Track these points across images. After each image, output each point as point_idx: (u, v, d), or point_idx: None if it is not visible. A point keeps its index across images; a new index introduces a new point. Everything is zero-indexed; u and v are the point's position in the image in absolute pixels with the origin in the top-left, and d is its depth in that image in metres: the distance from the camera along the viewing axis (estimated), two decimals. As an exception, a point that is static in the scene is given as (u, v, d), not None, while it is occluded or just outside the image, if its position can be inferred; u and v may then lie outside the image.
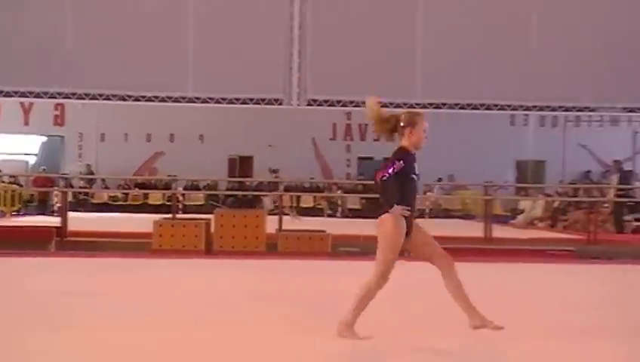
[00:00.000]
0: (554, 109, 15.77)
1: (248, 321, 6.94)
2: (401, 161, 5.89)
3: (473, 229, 16.01)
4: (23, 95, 15.17)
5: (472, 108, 14.94)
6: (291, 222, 16.46)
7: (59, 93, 15.13)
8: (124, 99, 15.10)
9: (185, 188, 23.74)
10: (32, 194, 23.52)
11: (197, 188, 24.93)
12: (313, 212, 23.48)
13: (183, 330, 6.43)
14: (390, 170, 5.86)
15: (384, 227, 5.92)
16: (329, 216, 23.47)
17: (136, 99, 15.07)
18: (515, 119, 28.87)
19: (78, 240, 13.99)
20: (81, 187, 25.12)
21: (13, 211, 20.26)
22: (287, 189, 21.74)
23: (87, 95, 15.10)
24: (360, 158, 29.02)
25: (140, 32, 14.70)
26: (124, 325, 6.66)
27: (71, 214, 15.30)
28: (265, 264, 12.07)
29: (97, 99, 15.17)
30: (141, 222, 15.19)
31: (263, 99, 14.75)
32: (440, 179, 24.64)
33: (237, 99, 14.82)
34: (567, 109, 16.03)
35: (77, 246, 13.69)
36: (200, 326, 6.65)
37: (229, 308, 7.72)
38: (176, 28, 14.70)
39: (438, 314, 7.08)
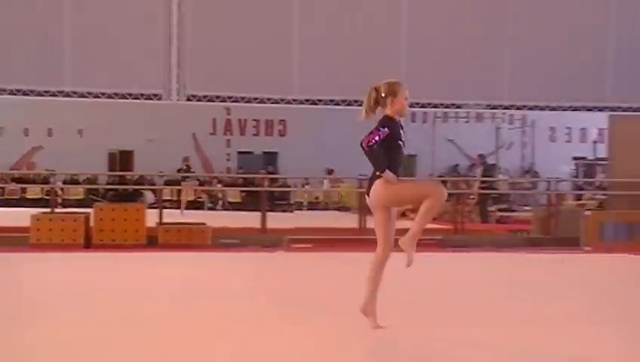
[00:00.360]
0: (423, 106, 16.22)
1: (124, 315, 6.84)
2: (386, 128, 5.91)
3: (349, 221, 16.27)
4: None
5: (347, 105, 15.15)
6: (173, 216, 16.27)
7: None
8: (-1, 94, 14.58)
9: (64, 183, 23.13)
10: None
11: (77, 183, 24.29)
12: (194, 205, 23.29)
13: (58, 326, 6.27)
14: (377, 138, 5.87)
15: (384, 190, 5.97)
16: (210, 209, 23.34)
17: (12, 93, 14.54)
18: (387, 115, 29.49)
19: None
20: (-45, 182, 24.07)
21: None
22: (168, 183, 21.52)
23: (-40, 88, 14.50)
24: (240, 153, 28.99)
25: (12, 24, 14.18)
26: None
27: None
28: (144, 256, 11.94)
29: (-27, 93, 14.59)
30: (19, 217, 14.70)
31: (142, 94, 14.51)
32: (331, 171, 24.84)
33: (116, 94, 14.53)
34: (435, 106, 16.51)
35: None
36: (72, 321, 6.50)
37: (106, 302, 7.58)
38: (51, 20, 14.25)
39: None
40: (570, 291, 8.75)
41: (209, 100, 14.91)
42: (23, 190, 24.07)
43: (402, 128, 6.09)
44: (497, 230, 16.79)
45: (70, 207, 18.99)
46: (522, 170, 30.15)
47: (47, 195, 21.07)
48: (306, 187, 26.53)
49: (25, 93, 14.56)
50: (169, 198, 23.01)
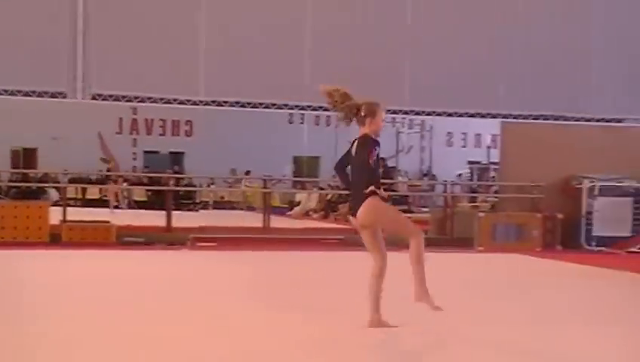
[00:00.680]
0: (326, 109, 16.25)
1: (22, 314, 6.65)
2: (377, 147, 5.95)
3: (253, 220, 16.24)
4: None
5: (252, 107, 15.11)
6: (76, 213, 15.87)
7: None
8: None
9: (-35, 180, 22.29)
10: None
11: (-22, 180, 23.43)
12: (99, 203, 22.81)
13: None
14: (374, 157, 5.90)
15: (374, 210, 5.97)
16: (115, 207, 22.90)
17: None
18: (292, 118, 29.59)
19: None
20: None
21: None
22: (73, 181, 21.04)
23: None
24: (146, 152, 28.58)
25: None
26: None
27: None
28: (47, 254, 11.62)
29: None
30: None
31: (46, 92, 14.10)
32: (248, 172, 24.61)
33: (19, 91, 14.07)
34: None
35: None
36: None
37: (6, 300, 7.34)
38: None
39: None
40: (462, 291, 8.94)
41: (115, 100, 14.59)
42: None
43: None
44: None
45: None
46: (421, 173, 30.75)
47: (-54, 193, 20.27)
48: (212, 186, 26.35)
49: None
50: (74, 197, 22.50)
